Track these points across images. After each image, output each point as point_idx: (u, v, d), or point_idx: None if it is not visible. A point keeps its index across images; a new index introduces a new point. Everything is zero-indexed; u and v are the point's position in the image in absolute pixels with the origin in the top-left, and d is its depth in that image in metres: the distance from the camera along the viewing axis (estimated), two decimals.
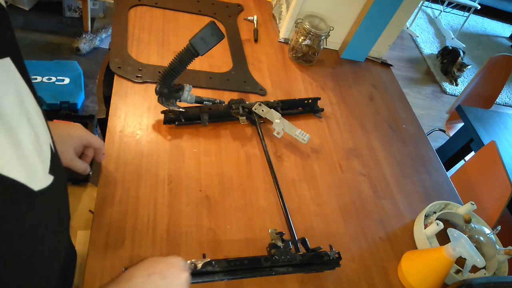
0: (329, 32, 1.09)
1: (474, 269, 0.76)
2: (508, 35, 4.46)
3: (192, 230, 0.68)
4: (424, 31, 3.88)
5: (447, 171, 1.14)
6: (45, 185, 0.38)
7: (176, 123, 0.83)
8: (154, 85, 0.78)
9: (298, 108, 1.00)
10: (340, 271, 0.72)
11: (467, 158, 1.85)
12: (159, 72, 0.78)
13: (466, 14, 3.81)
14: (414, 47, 3.63)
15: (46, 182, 0.38)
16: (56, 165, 0.42)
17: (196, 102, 0.82)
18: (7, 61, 0.35)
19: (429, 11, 4.25)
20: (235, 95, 0.97)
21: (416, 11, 3.68)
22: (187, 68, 0.74)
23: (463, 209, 0.86)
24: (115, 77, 0.88)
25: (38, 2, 2.36)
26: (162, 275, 0.51)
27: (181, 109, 0.80)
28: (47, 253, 0.43)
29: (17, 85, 0.37)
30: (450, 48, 3.43)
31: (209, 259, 0.59)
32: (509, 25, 4.68)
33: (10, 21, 0.37)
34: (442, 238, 0.81)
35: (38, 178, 0.37)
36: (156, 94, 0.78)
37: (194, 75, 0.97)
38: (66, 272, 0.62)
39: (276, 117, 0.88)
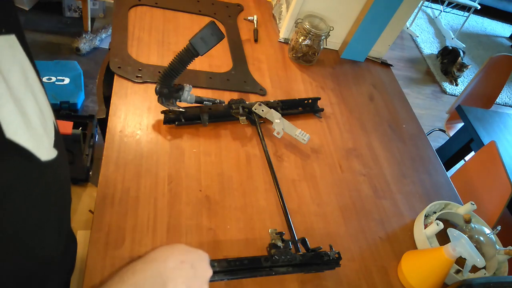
0: (329, 32, 1.09)
1: (474, 269, 0.76)
2: (508, 35, 4.47)
3: (192, 230, 0.68)
4: (424, 31, 3.88)
5: (447, 171, 1.14)
6: (51, 157, 0.39)
7: (176, 123, 0.82)
8: (154, 85, 0.78)
9: (298, 108, 1.00)
10: (340, 271, 0.72)
11: (467, 158, 1.85)
12: (159, 72, 0.78)
13: (466, 14, 3.82)
14: (414, 47, 3.63)
15: (52, 155, 0.39)
16: (59, 141, 0.42)
17: (196, 102, 0.82)
18: (13, 37, 0.36)
19: (429, 11, 4.25)
20: (235, 95, 0.97)
21: (416, 11, 3.68)
22: (187, 68, 0.74)
23: (463, 209, 0.86)
24: (115, 77, 0.88)
25: (38, 2, 2.36)
26: (192, 265, 0.51)
27: (181, 109, 0.80)
28: (50, 227, 0.43)
29: (22, 62, 0.37)
30: (450, 48, 3.43)
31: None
32: (509, 25, 4.68)
33: (14, 4, 0.38)
34: (442, 238, 0.81)
35: (45, 149, 0.38)
36: (156, 94, 0.78)
37: (194, 75, 0.97)
38: (66, 256, 0.62)
39: (276, 117, 0.88)
